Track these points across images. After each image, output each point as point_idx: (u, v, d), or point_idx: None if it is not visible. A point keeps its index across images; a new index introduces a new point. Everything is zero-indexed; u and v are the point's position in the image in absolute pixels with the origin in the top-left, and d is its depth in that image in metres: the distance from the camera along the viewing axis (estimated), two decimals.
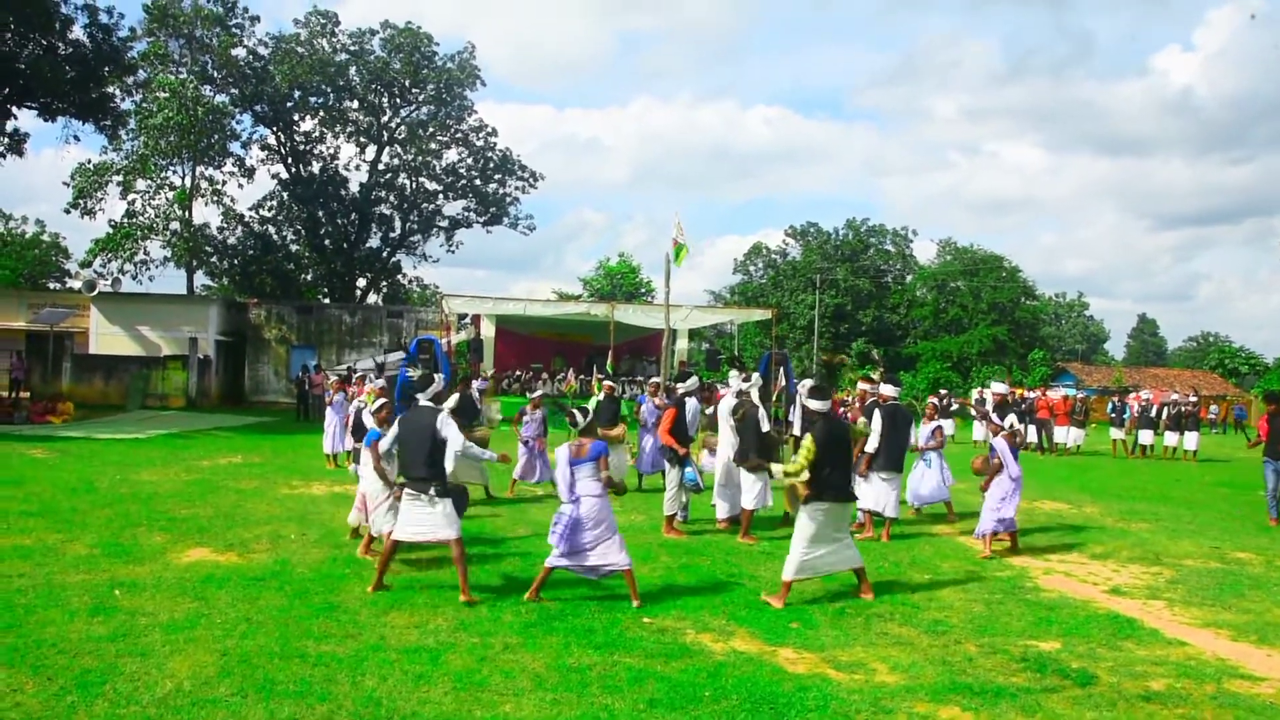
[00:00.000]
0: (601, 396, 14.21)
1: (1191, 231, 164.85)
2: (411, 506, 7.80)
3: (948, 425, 26.57)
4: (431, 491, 7.69)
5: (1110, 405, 27.76)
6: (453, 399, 10.45)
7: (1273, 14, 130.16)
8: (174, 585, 7.85)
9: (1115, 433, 26.89)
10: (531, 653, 6.36)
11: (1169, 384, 51.04)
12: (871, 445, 11.22)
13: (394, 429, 8.15)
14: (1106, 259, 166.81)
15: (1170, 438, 26.33)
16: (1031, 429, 26.76)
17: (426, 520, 7.74)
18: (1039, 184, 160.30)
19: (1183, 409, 26.39)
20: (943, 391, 30.09)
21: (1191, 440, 25.84)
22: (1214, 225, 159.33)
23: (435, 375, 8.96)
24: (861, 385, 13.26)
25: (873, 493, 11.25)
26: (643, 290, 57.02)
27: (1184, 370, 70.76)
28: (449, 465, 7.69)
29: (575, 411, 8.18)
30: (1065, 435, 26.67)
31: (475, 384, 15.14)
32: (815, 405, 8.46)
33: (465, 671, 5.92)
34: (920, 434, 13.00)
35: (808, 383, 8.88)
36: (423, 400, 8.11)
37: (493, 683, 5.75)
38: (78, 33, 30.15)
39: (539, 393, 15.42)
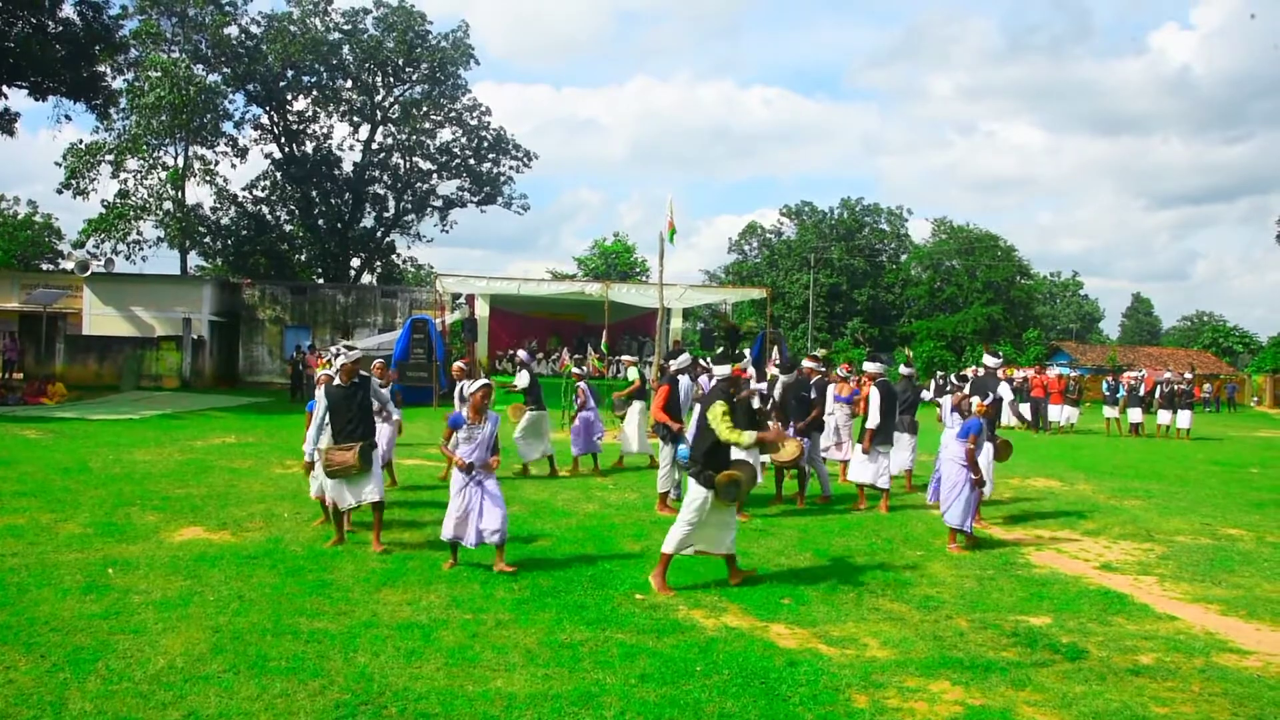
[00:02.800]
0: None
1: (1188, 210, 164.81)
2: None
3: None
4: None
5: (1104, 384, 27.84)
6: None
7: (1274, 15, 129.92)
8: (167, 564, 7.86)
9: (1109, 411, 26.96)
10: (523, 629, 6.38)
11: (1163, 363, 51.12)
12: (872, 422, 11.40)
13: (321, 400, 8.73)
14: (1103, 238, 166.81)
15: (1163, 416, 26.43)
16: (1025, 407, 26.88)
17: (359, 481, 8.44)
18: (1036, 163, 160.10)
19: (1175, 387, 26.47)
20: (939, 373, 30.16)
21: (1184, 418, 25.92)
22: (1210, 204, 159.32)
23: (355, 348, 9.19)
24: (806, 363, 13.18)
25: (870, 467, 11.42)
26: (637, 270, 56.90)
27: (1178, 349, 70.89)
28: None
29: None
30: (1059, 414, 26.76)
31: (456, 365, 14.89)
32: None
33: (457, 647, 5.94)
34: None
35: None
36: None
37: (484, 658, 5.77)
38: (68, 11, 29.95)
39: (576, 370, 15.62)
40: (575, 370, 16.10)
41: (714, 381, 8.77)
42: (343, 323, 37.87)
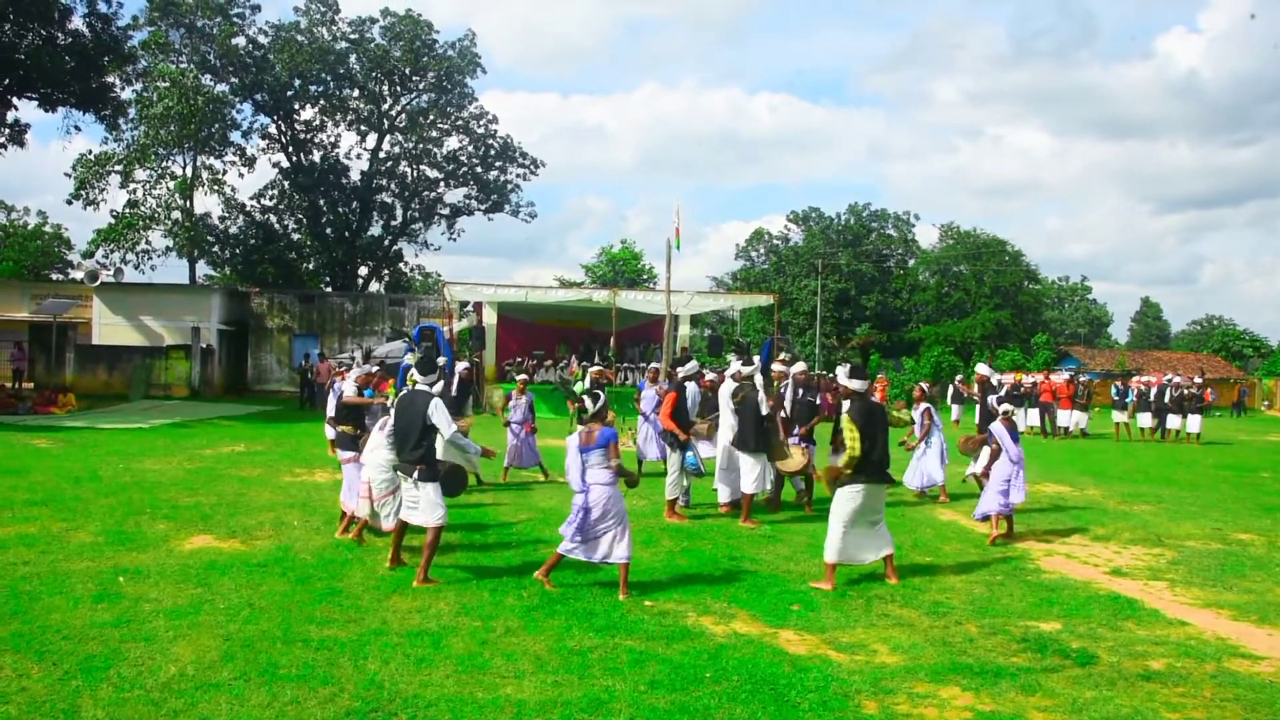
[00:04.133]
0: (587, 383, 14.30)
1: (1195, 214, 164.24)
2: (403, 487, 8.05)
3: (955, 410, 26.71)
4: (415, 475, 7.78)
5: (1114, 389, 27.76)
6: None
7: (1274, 14, 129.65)
8: (177, 572, 7.89)
9: (1118, 416, 26.89)
10: (533, 636, 6.39)
11: (1172, 367, 50.94)
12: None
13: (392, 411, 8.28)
14: (1110, 242, 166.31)
15: (1173, 420, 26.33)
16: (1034, 412, 26.83)
17: (412, 502, 7.92)
18: (1043, 167, 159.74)
19: (1185, 392, 26.38)
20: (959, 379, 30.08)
21: (1194, 423, 25.81)
22: (1218, 208, 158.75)
23: (439, 360, 8.97)
24: (776, 367, 13.17)
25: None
26: (645, 277, 56.95)
27: (1187, 353, 70.62)
28: (439, 452, 7.71)
29: (586, 398, 8.07)
30: (1068, 418, 26.69)
31: (459, 367, 14.93)
32: (856, 385, 8.45)
33: (467, 655, 5.95)
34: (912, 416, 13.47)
35: (845, 367, 8.82)
36: (421, 384, 8.12)
37: (494, 665, 5.78)
38: (77, 22, 30.14)
39: (521, 378, 15.46)
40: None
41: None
42: (352, 331, 37.94)
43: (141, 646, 5.94)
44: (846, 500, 8.05)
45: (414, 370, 8.38)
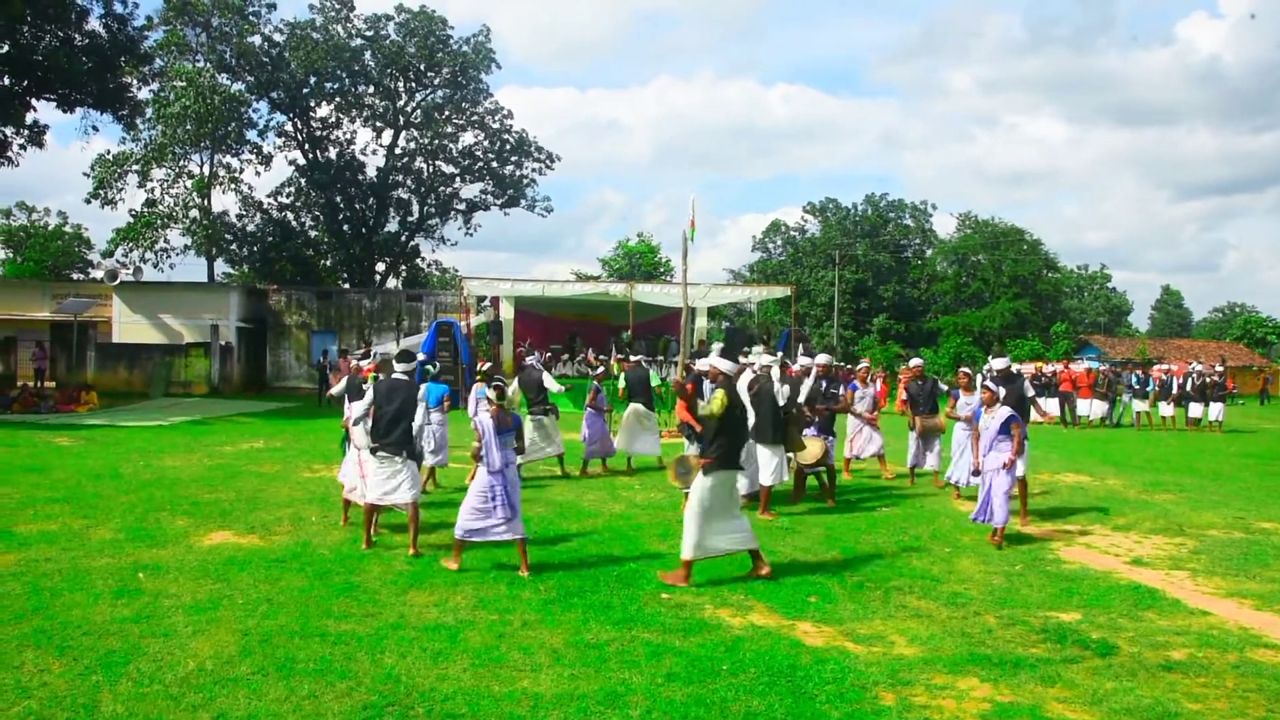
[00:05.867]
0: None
1: (1216, 201, 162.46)
2: (380, 469, 8.71)
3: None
4: (404, 455, 8.62)
5: (1134, 377, 27.55)
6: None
7: (1273, 13, 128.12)
8: (196, 568, 7.93)
9: (1139, 405, 26.70)
10: (550, 629, 6.39)
11: (1194, 355, 50.51)
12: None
13: (368, 396, 8.94)
14: (1129, 230, 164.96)
15: (1195, 409, 26.11)
16: (1054, 402, 26.67)
17: (393, 483, 8.66)
18: (1060, 155, 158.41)
19: (1207, 379, 26.15)
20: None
21: (1217, 410, 25.59)
22: (1239, 194, 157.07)
23: (416, 354, 10.11)
24: (803, 360, 13.23)
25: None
26: (661, 270, 56.86)
27: (1209, 341, 70.03)
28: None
29: (493, 388, 8.49)
30: (1088, 408, 26.52)
31: (531, 360, 15.24)
32: (725, 368, 8.45)
33: (484, 648, 5.95)
34: (963, 406, 12.67)
35: (718, 345, 8.96)
36: (399, 373, 8.95)
37: (511, 659, 5.78)
38: (93, 23, 30.21)
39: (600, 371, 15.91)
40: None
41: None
42: (370, 327, 38.06)
43: (160, 642, 5.98)
44: (704, 492, 7.81)
45: (393, 359, 9.34)
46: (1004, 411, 9.71)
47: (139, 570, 7.80)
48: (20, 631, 6.14)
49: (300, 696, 5.14)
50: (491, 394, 8.31)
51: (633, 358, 18.73)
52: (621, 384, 15.35)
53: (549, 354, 29.75)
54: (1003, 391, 10.36)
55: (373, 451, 8.73)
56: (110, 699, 5.06)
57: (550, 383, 13.99)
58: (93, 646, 5.87)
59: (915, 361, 15.47)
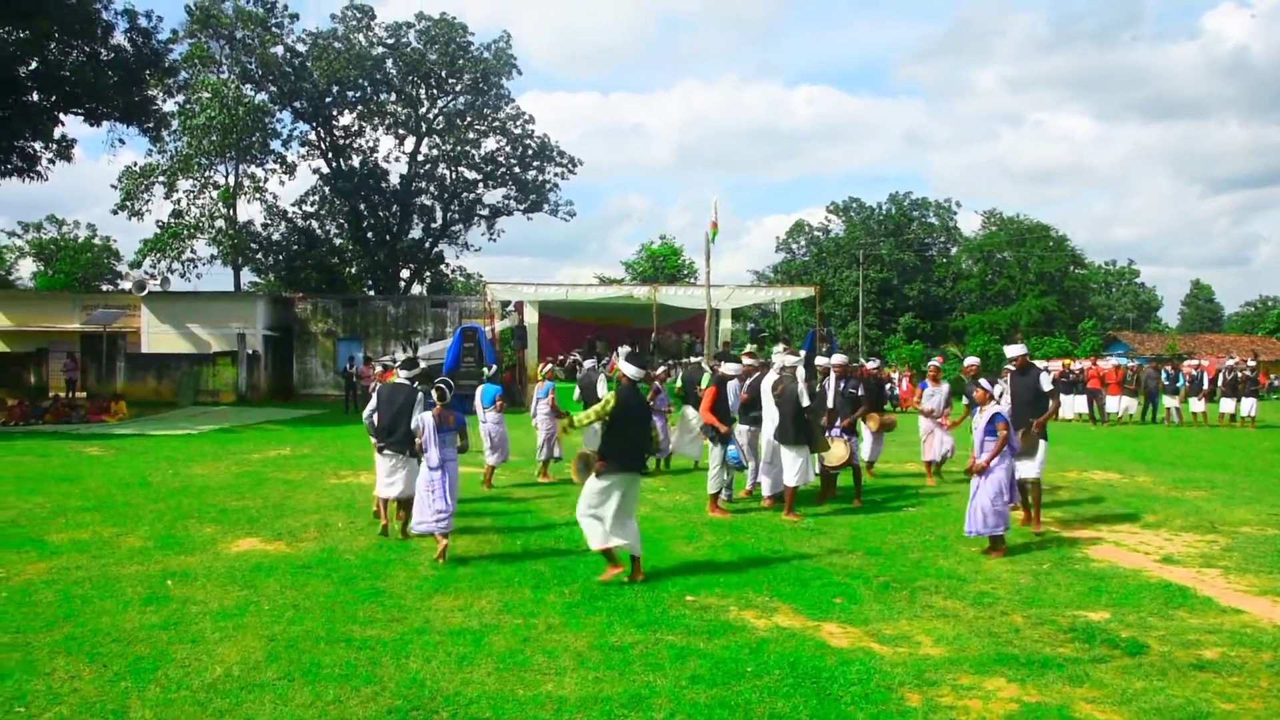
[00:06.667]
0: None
1: (1246, 193, 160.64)
2: (383, 465, 9.54)
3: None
4: (407, 453, 9.32)
5: (1164, 373, 27.25)
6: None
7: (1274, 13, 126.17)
8: (224, 574, 7.99)
9: (1169, 401, 26.42)
10: (574, 632, 6.39)
11: (1225, 350, 49.92)
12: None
13: (373, 401, 9.75)
14: (1158, 225, 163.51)
15: (1227, 404, 25.80)
16: (1082, 399, 26.43)
17: (392, 478, 9.47)
18: (1087, 151, 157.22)
19: (1239, 374, 25.83)
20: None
21: (1249, 406, 25.27)
22: (1271, 186, 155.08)
23: (419, 360, 11.20)
24: (745, 360, 13.00)
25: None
26: (685, 272, 56.83)
27: (1241, 335, 69.16)
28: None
29: (435, 389, 8.83)
30: (1117, 405, 26.27)
31: (588, 364, 15.45)
32: (630, 371, 8.30)
33: (508, 652, 5.96)
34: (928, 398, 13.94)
35: (624, 349, 8.90)
36: (403, 377, 9.79)
37: (535, 662, 5.78)
38: (119, 38, 30.61)
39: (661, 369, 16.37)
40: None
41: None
42: (395, 333, 38.27)
43: (188, 648, 6.03)
44: (598, 492, 7.75)
45: (398, 366, 10.27)
46: (991, 409, 9.07)
47: (167, 578, 7.86)
48: (52, 639, 6.21)
49: (325, 702, 5.16)
50: (435, 394, 8.77)
51: (693, 359, 18.84)
52: (679, 384, 15.40)
53: (573, 358, 29.80)
54: (999, 389, 9.85)
55: (380, 450, 9.59)
56: (139, 704, 5.10)
57: (602, 388, 14.14)
58: (122, 653, 5.92)
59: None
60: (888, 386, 14.39)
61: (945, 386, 14.36)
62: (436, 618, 6.72)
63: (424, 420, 8.69)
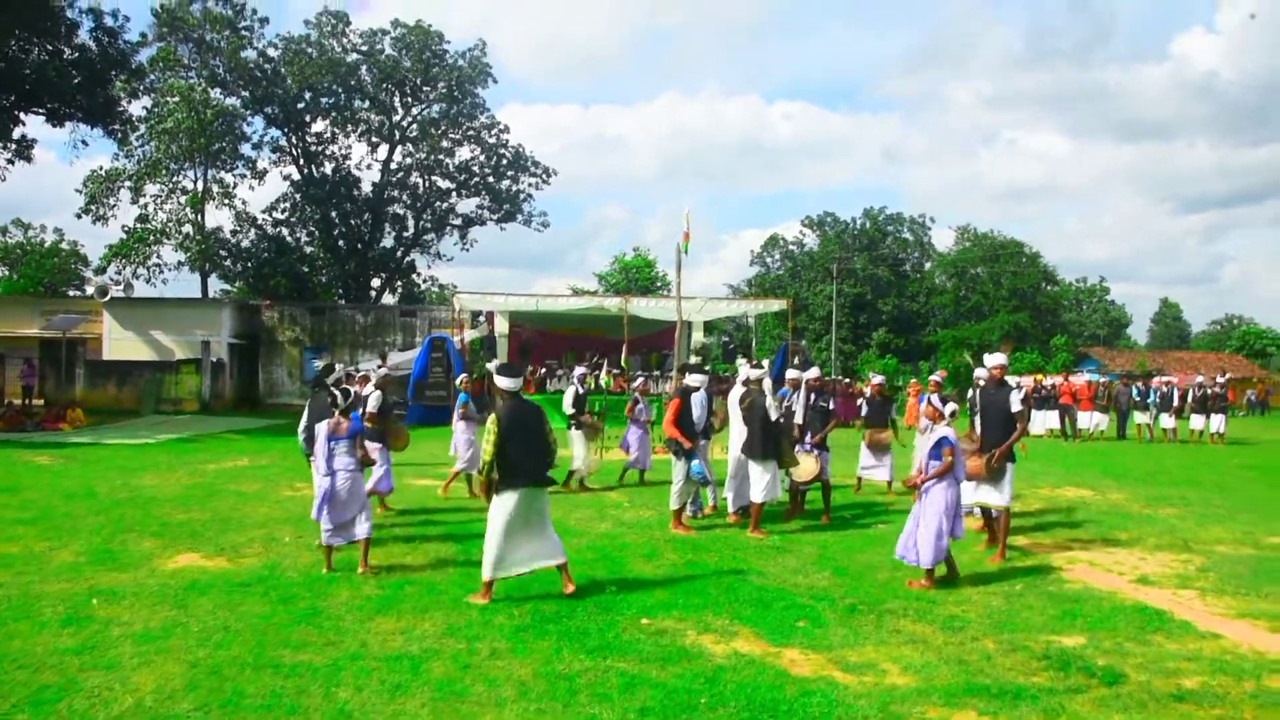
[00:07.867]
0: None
1: (1215, 214, 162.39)
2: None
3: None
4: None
5: (1135, 389, 27.23)
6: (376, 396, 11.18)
7: (1274, 13, 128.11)
8: (155, 593, 7.54)
9: (1140, 417, 26.39)
10: (519, 658, 6.00)
11: (1193, 367, 50.18)
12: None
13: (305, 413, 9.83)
14: (1129, 244, 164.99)
15: (1197, 420, 25.80)
16: (1054, 414, 26.31)
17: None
18: (1060, 169, 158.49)
19: (1209, 391, 25.83)
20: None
21: (1218, 422, 25.26)
22: (1238, 207, 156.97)
23: (336, 365, 11.25)
24: (790, 373, 12.63)
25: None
26: (659, 284, 56.52)
27: (1208, 353, 69.65)
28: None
29: (338, 392, 8.72)
30: (1088, 420, 26.18)
31: (577, 371, 15.23)
32: (505, 384, 7.78)
33: (446, 680, 5.56)
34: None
35: (496, 361, 8.52)
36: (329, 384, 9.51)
37: (474, 692, 5.39)
38: (83, 37, 29.98)
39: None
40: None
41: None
42: (364, 343, 37.71)
43: (101, 675, 5.59)
44: (500, 508, 7.40)
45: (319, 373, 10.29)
46: (940, 430, 8.38)
47: (94, 596, 7.41)
48: None
49: None
50: (333, 402, 8.66)
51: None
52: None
53: (544, 368, 29.39)
54: (950, 408, 8.69)
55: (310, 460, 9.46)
56: None
57: (566, 400, 14.10)
58: (26, 681, 5.48)
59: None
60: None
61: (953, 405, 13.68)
62: (375, 641, 6.31)
63: (318, 429, 8.54)
